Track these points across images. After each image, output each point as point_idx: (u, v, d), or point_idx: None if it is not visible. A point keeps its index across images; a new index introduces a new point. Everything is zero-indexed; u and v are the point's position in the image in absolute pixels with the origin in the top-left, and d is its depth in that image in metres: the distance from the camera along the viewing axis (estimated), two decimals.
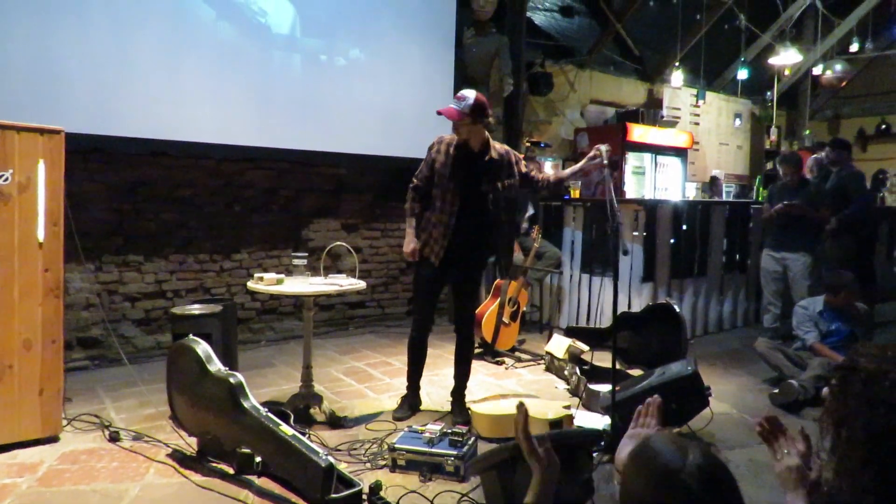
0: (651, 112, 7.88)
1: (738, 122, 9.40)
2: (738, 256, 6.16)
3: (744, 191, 8.82)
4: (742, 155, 9.49)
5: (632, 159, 7.48)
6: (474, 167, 3.28)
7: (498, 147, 3.36)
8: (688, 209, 5.79)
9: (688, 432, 3.26)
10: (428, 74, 5.76)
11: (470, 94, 3.23)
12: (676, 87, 8.33)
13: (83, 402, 3.73)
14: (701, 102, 8.58)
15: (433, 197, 3.31)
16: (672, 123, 8.23)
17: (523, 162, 3.36)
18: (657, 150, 7.75)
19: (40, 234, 3.03)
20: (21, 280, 3.00)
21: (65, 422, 3.29)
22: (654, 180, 7.84)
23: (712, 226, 5.93)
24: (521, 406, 1.56)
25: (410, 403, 3.56)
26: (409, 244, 3.39)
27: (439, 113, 3.19)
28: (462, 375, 3.52)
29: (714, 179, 8.70)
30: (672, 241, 5.55)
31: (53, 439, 3.11)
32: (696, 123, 8.77)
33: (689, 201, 6.63)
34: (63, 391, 3.19)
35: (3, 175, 2.93)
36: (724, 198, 8.40)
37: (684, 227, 5.69)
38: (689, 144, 8.16)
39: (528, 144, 7.05)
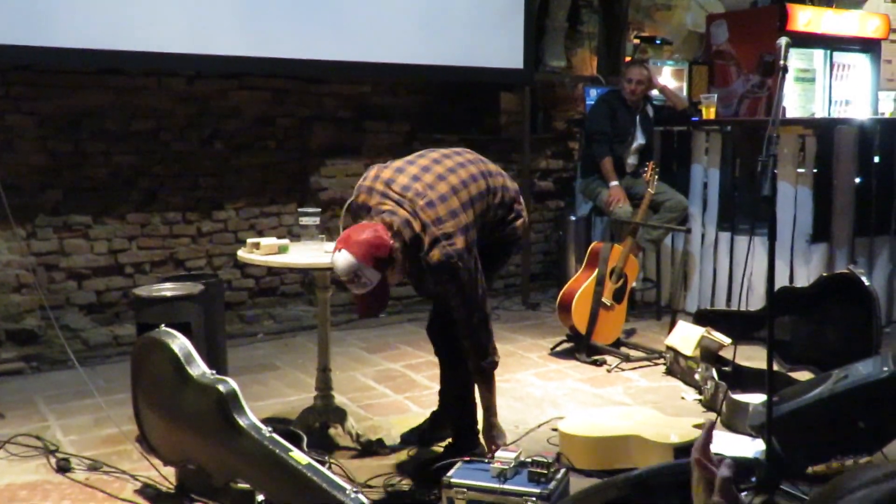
0: None
1: None
2: None
3: None
4: None
5: (795, 59, 7.24)
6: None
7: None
8: (882, 132, 5.59)
9: (882, 463, 3.20)
10: None
11: (347, 263, 2.79)
12: None
13: (19, 418, 3.90)
14: None
15: None
16: (857, 2, 7.90)
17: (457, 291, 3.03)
18: (834, 43, 7.49)
19: None
20: None
21: None
22: (830, 90, 7.60)
23: None
24: (707, 421, 1.55)
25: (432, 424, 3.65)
26: None
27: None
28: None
29: None
30: (858, 180, 5.39)
31: None
32: None
33: (884, 120, 6.39)
34: None
35: None
36: None
37: (876, 159, 5.52)
38: (883, 34, 7.84)
39: (637, 42, 6.91)
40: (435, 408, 3.72)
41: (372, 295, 2.89)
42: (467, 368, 3.23)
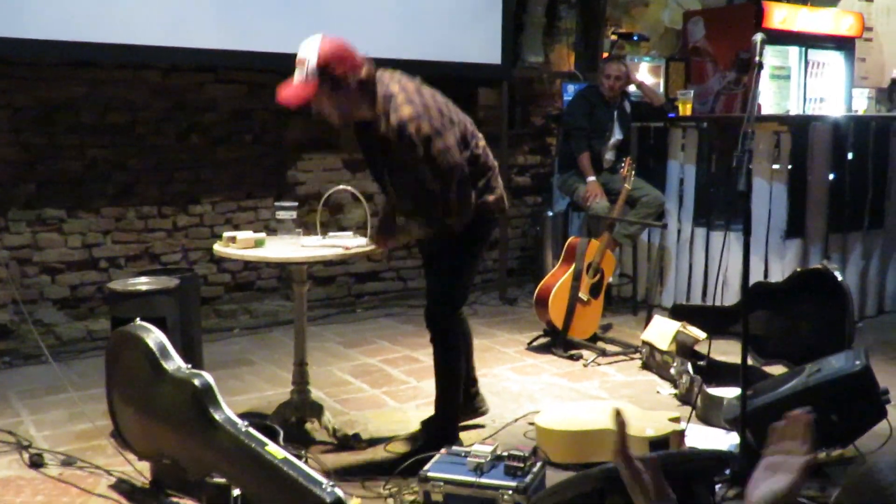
0: None
1: None
2: None
3: None
4: None
5: (771, 57, 7.30)
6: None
7: (394, 117, 3.04)
8: (856, 129, 5.65)
9: (855, 455, 3.24)
10: None
11: (310, 50, 2.94)
12: None
13: None
14: None
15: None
16: (832, 0, 7.97)
17: (421, 146, 3.01)
18: (809, 41, 7.55)
19: None
20: None
21: None
22: (805, 87, 7.66)
23: (893, 154, 5.78)
24: (618, 414, 1.55)
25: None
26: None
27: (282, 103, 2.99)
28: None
29: None
30: (831, 177, 5.45)
31: None
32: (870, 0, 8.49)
33: (857, 117, 6.45)
34: None
35: None
36: None
37: (850, 155, 5.57)
38: (857, 32, 7.92)
39: (614, 38, 6.94)
40: (416, 401, 3.72)
41: (294, 94, 2.94)
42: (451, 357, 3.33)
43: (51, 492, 3.07)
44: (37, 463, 3.28)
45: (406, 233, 3.35)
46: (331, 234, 3.66)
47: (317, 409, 3.56)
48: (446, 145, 3.05)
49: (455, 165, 3.06)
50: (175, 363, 2.90)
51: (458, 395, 3.47)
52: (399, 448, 3.43)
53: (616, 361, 4.70)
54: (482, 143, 3.36)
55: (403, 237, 3.34)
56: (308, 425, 3.61)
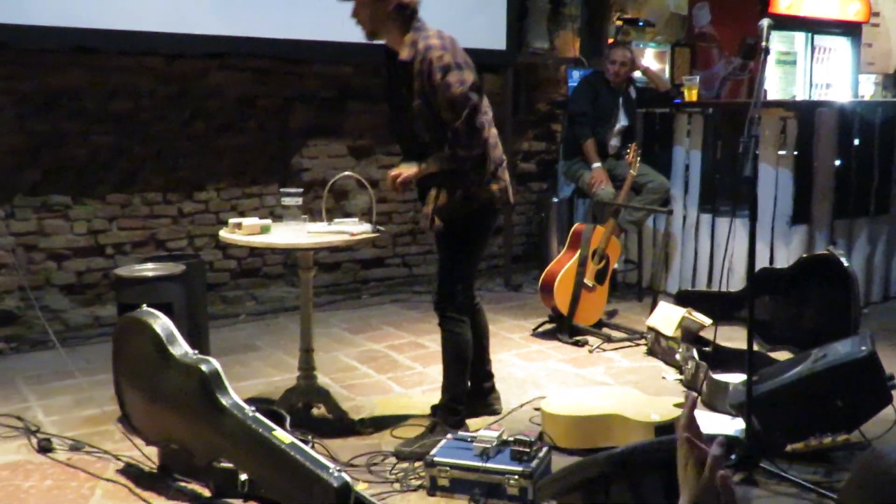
0: None
1: None
2: None
3: None
4: None
5: (777, 42, 7.27)
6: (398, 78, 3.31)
7: (422, 44, 3.19)
8: (862, 115, 5.63)
9: (860, 441, 3.24)
10: None
11: None
12: None
13: None
14: None
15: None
16: None
17: (439, 72, 3.13)
18: (815, 26, 7.53)
19: None
20: None
21: None
22: (811, 73, 7.64)
23: None
24: (688, 395, 1.49)
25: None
26: None
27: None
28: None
29: None
30: (837, 162, 5.43)
31: None
32: None
33: (863, 103, 6.43)
34: None
35: None
36: None
37: (856, 142, 5.56)
38: (864, 17, 7.89)
39: (619, 23, 6.91)
40: (422, 387, 3.73)
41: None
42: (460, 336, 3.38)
43: (59, 476, 3.09)
44: (45, 448, 3.30)
45: (422, 168, 3.31)
46: (336, 220, 3.66)
47: (323, 395, 3.58)
48: (463, 79, 3.16)
49: (467, 97, 3.15)
50: (182, 349, 2.91)
51: (463, 380, 3.48)
52: (407, 433, 3.45)
53: (621, 347, 4.70)
54: (495, 132, 3.42)
55: (417, 173, 3.32)
56: (314, 411, 3.63)
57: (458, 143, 3.17)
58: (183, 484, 2.97)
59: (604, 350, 4.66)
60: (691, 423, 1.35)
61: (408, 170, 3.28)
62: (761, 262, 4.88)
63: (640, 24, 6.96)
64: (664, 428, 3.20)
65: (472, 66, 3.26)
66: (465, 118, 3.13)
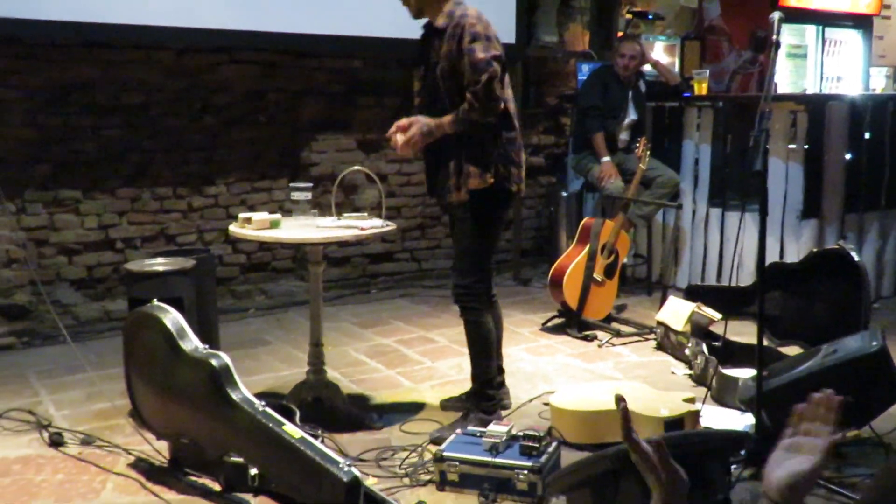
0: None
1: None
2: None
3: None
4: None
5: (787, 35, 7.24)
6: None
7: (458, 12, 3.34)
8: (873, 108, 5.61)
9: (870, 437, 3.23)
10: None
11: None
12: None
13: (11, 393, 3.92)
14: None
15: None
16: None
17: (468, 36, 3.26)
18: (826, 19, 7.49)
19: None
20: None
21: None
22: (821, 66, 7.60)
23: None
24: (620, 400, 1.56)
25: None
26: None
27: None
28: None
29: None
30: (848, 156, 5.41)
31: None
32: None
33: (875, 96, 6.40)
34: None
35: None
36: None
37: (867, 135, 5.53)
38: (875, 10, 7.85)
39: (629, 17, 6.89)
40: (431, 382, 3.74)
41: None
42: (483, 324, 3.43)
43: (70, 470, 3.11)
44: (56, 442, 3.31)
45: (438, 127, 3.32)
46: (345, 216, 3.66)
47: (332, 389, 3.58)
48: (490, 49, 3.23)
49: (489, 63, 3.19)
50: (192, 343, 2.93)
51: (491, 366, 3.50)
52: (416, 428, 3.45)
53: (631, 342, 4.70)
54: (516, 124, 3.51)
55: (431, 135, 3.32)
56: (324, 405, 3.63)
57: (474, 105, 3.20)
58: (193, 478, 2.98)
59: (613, 345, 4.66)
60: (629, 432, 1.44)
61: (416, 125, 3.31)
62: (771, 256, 4.86)
63: (650, 17, 6.93)
64: (673, 423, 3.20)
65: (500, 47, 3.33)
66: (484, 82, 3.17)
